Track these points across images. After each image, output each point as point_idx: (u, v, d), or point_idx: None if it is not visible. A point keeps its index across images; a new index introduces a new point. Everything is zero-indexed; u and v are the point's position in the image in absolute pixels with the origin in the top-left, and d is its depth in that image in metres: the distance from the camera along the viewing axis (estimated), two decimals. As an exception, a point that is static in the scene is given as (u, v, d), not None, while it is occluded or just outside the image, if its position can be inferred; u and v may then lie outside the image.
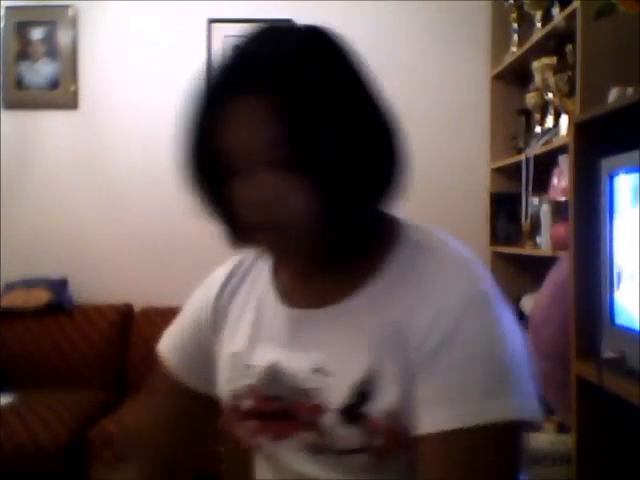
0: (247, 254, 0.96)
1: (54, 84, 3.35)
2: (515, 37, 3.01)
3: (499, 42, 3.17)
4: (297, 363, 0.83)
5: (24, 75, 3.36)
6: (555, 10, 2.53)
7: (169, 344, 0.99)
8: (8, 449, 2.44)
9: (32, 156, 3.34)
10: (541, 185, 2.59)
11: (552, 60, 2.50)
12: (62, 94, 3.34)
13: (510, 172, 3.01)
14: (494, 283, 0.81)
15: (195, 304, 0.98)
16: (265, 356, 0.86)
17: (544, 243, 2.51)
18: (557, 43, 2.53)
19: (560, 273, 1.91)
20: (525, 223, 2.70)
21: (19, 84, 3.36)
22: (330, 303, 0.83)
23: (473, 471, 0.73)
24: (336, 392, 0.79)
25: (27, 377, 2.98)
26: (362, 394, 0.78)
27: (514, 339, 0.77)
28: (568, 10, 2.27)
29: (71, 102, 3.34)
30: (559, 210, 2.31)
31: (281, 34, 0.81)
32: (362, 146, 0.77)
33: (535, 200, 2.65)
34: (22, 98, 3.36)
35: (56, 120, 3.35)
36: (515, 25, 3.02)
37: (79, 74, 3.35)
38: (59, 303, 3.15)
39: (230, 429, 0.90)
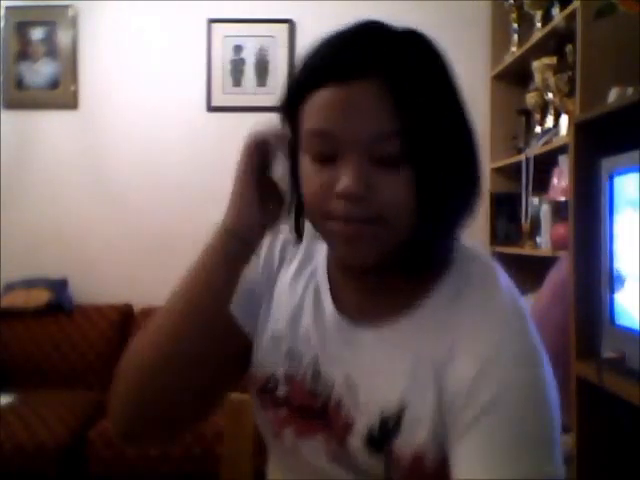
0: (309, 239, 0.90)
1: (54, 84, 3.35)
2: (515, 37, 3.01)
3: (499, 42, 3.17)
4: (334, 370, 0.82)
5: (24, 75, 3.36)
6: (555, 10, 2.53)
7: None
8: (8, 449, 2.44)
9: (32, 156, 3.34)
10: (541, 185, 2.59)
11: (552, 60, 2.50)
12: (62, 94, 3.34)
13: (510, 172, 3.01)
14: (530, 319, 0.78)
15: (254, 260, 0.89)
16: (308, 348, 0.84)
17: (544, 243, 2.51)
18: (557, 43, 2.53)
19: (560, 273, 1.90)
20: (525, 223, 2.70)
21: (19, 84, 3.36)
22: (377, 320, 0.81)
23: None
24: (365, 415, 0.78)
25: (27, 377, 2.98)
26: (391, 426, 0.76)
27: (554, 399, 0.74)
28: (568, 10, 2.27)
29: (71, 102, 3.34)
30: (559, 210, 2.31)
31: (384, 28, 0.80)
32: (460, 149, 0.76)
33: (535, 200, 2.65)
34: (22, 98, 3.36)
35: (56, 120, 3.35)
36: (515, 25, 3.02)
37: (79, 74, 3.35)
38: (59, 303, 3.15)
39: (258, 410, 0.88)
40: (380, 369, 0.79)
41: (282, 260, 0.91)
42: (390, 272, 0.81)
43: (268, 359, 0.86)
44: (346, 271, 0.84)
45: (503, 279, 0.80)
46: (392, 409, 0.76)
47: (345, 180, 0.71)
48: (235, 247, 0.82)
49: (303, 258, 0.90)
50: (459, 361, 0.74)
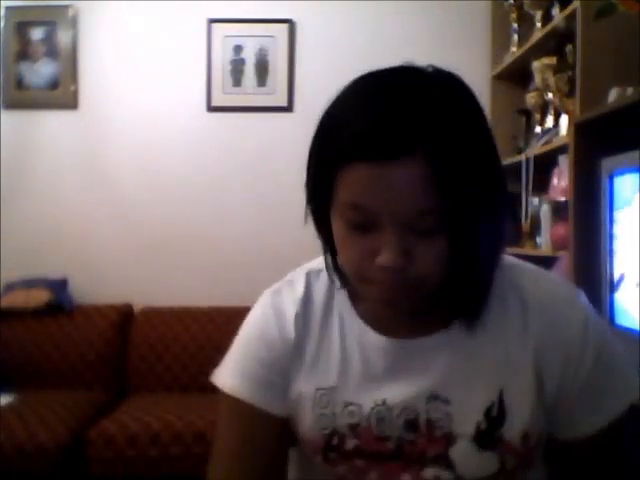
0: (310, 282, 0.89)
1: (54, 84, 3.35)
2: (515, 37, 3.01)
3: (499, 42, 3.17)
4: (407, 395, 0.81)
5: (24, 75, 3.36)
6: (555, 10, 2.52)
7: (239, 376, 0.88)
8: (8, 449, 2.44)
9: (32, 156, 3.34)
10: (541, 185, 2.59)
11: (552, 60, 2.50)
12: (62, 94, 3.34)
13: (510, 172, 3.00)
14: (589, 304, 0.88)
15: (265, 333, 0.88)
16: (366, 393, 0.83)
17: (544, 243, 2.51)
18: (557, 43, 2.53)
19: (560, 273, 1.90)
20: (525, 223, 2.70)
21: (19, 84, 3.36)
22: (432, 331, 0.82)
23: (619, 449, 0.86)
24: (465, 419, 0.80)
25: (27, 377, 2.98)
26: (495, 418, 0.79)
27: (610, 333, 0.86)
28: (568, 10, 2.27)
29: (71, 102, 3.34)
30: (559, 210, 2.31)
31: (419, 85, 0.72)
32: (496, 207, 0.76)
33: (535, 200, 2.65)
34: (22, 98, 3.35)
35: (56, 120, 3.35)
36: (515, 25, 3.02)
37: (79, 74, 3.35)
38: (59, 303, 3.14)
39: (327, 467, 0.86)
40: (457, 369, 0.81)
41: (303, 323, 0.87)
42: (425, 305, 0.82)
43: (324, 418, 0.84)
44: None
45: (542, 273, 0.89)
46: (491, 402, 0.79)
47: (387, 254, 0.72)
48: None
49: (324, 308, 0.88)
50: (545, 344, 0.81)
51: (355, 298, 0.86)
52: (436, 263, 0.73)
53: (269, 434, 0.86)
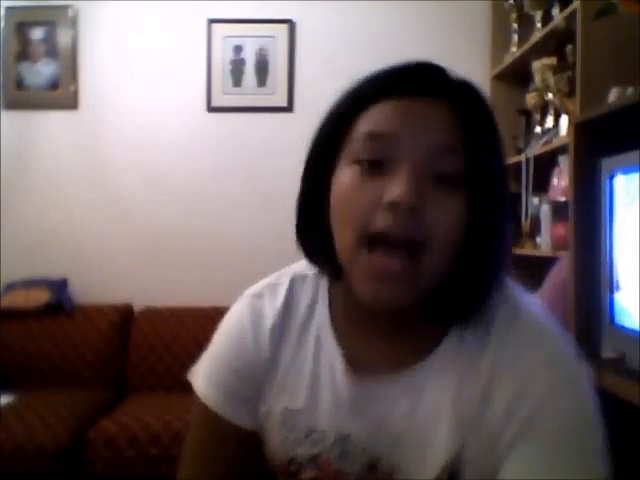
0: (293, 290, 0.84)
1: (54, 84, 3.35)
2: (515, 37, 3.01)
3: (499, 42, 3.17)
4: (370, 434, 0.77)
5: (24, 75, 3.36)
6: (555, 10, 2.53)
7: (211, 384, 0.85)
8: (8, 449, 2.44)
9: (32, 156, 3.34)
10: (541, 185, 2.59)
11: (552, 60, 2.50)
12: (62, 94, 3.34)
13: (510, 172, 3.01)
14: (574, 349, 0.77)
15: (239, 342, 0.84)
16: (332, 423, 0.79)
17: (544, 243, 2.51)
18: (557, 43, 2.53)
19: (560, 273, 1.90)
20: (525, 223, 2.70)
21: (19, 84, 3.36)
22: (403, 366, 0.76)
23: None
24: (428, 466, 0.74)
25: (27, 377, 2.98)
26: (452, 473, 0.74)
27: (595, 411, 0.72)
28: (568, 10, 2.27)
29: (71, 102, 3.34)
30: (559, 210, 2.31)
31: (445, 69, 0.77)
32: (506, 191, 0.76)
33: (535, 200, 2.65)
34: (22, 98, 3.35)
35: (56, 120, 3.35)
36: (515, 25, 3.02)
37: (79, 74, 3.35)
38: (59, 303, 3.14)
39: None
40: (423, 414, 0.75)
41: (279, 336, 0.83)
42: (411, 315, 0.77)
43: (287, 441, 0.81)
44: (360, 318, 0.79)
45: (530, 304, 0.78)
46: (451, 457, 0.73)
47: (396, 188, 0.67)
48: None
49: (302, 322, 0.83)
50: (498, 391, 0.72)
51: (336, 316, 0.82)
52: (449, 222, 0.68)
53: (236, 445, 0.84)
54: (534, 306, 0.78)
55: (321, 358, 0.81)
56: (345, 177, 0.71)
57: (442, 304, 0.74)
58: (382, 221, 0.68)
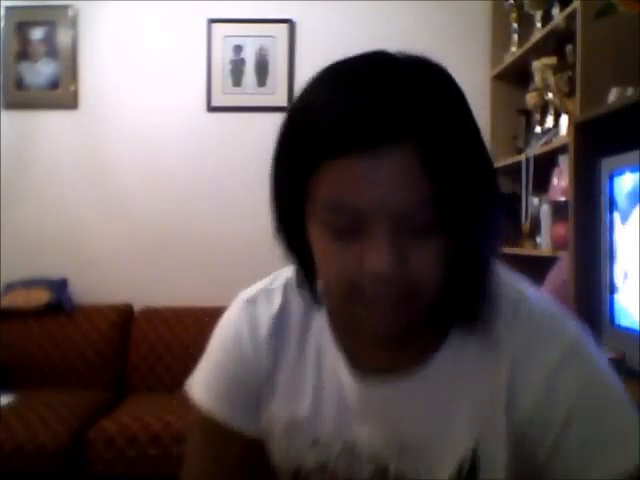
0: (288, 296, 0.82)
1: (54, 84, 3.35)
2: (515, 37, 3.01)
3: (499, 42, 3.17)
4: (378, 441, 0.75)
5: (24, 75, 3.36)
6: (555, 10, 2.53)
7: (213, 394, 0.82)
8: (8, 449, 2.44)
9: (32, 156, 3.34)
10: (541, 185, 2.59)
11: (552, 60, 2.50)
12: (62, 94, 3.34)
13: (510, 172, 3.00)
14: (582, 327, 0.75)
15: (238, 349, 0.82)
16: (337, 431, 0.77)
17: (544, 243, 2.51)
18: (557, 43, 2.53)
19: (560, 273, 1.91)
20: (525, 223, 2.70)
21: (19, 84, 3.36)
22: (408, 368, 0.74)
23: None
24: (437, 472, 0.73)
25: (27, 377, 2.98)
26: (470, 470, 0.72)
27: (622, 393, 0.71)
28: (568, 10, 2.27)
29: (71, 102, 3.34)
30: (559, 210, 2.31)
31: (395, 70, 0.64)
32: (487, 198, 0.67)
33: (535, 200, 2.65)
34: (22, 98, 3.35)
35: (56, 120, 3.35)
36: (515, 25, 3.02)
37: (79, 74, 3.35)
38: (59, 303, 3.14)
39: None
40: (433, 416, 0.73)
41: (276, 344, 0.81)
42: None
43: (291, 452, 0.79)
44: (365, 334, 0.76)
45: (527, 290, 0.77)
46: (466, 455, 0.72)
47: (378, 258, 0.62)
48: None
49: (300, 329, 0.80)
50: (520, 385, 0.71)
51: (335, 321, 0.79)
52: (434, 266, 0.65)
53: (242, 455, 0.82)
54: (531, 291, 0.76)
55: (323, 365, 0.78)
56: (316, 237, 0.68)
57: (439, 311, 0.72)
58: (365, 290, 0.65)
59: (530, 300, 0.74)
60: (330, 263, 0.66)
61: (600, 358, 0.73)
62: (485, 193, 0.66)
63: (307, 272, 0.74)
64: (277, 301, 0.82)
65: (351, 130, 0.60)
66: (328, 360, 0.78)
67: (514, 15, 3.01)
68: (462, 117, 0.66)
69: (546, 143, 2.56)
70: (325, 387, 0.78)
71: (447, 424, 0.73)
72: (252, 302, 0.83)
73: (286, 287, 0.83)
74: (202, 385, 0.84)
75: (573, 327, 0.74)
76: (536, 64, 2.58)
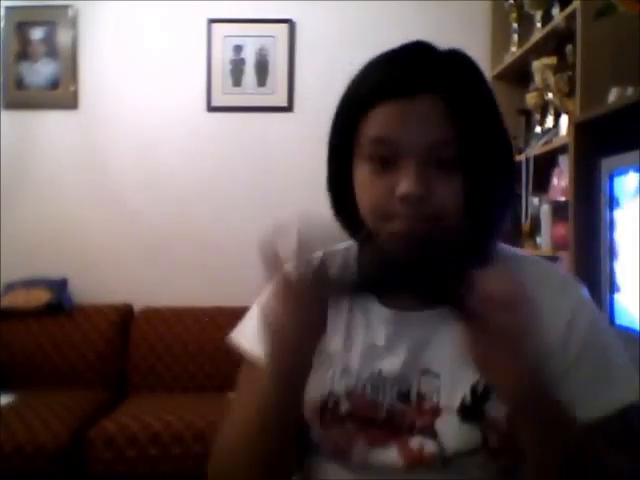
0: (326, 258, 0.88)
1: (54, 84, 3.35)
2: (515, 37, 3.01)
3: (499, 42, 3.17)
4: (401, 366, 0.85)
5: (24, 75, 3.36)
6: (555, 10, 2.53)
7: (255, 339, 0.86)
8: (8, 449, 2.44)
9: (32, 156, 3.34)
10: (541, 185, 2.59)
11: (552, 60, 2.50)
12: (62, 94, 3.34)
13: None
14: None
15: None
16: (365, 359, 0.87)
17: (544, 243, 2.51)
18: (557, 43, 2.53)
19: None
20: (525, 223, 2.70)
21: (19, 84, 3.36)
22: (431, 308, 0.84)
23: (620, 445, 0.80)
24: (451, 393, 0.82)
25: (27, 377, 2.98)
26: (481, 393, 0.81)
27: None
28: (568, 10, 2.27)
29: (71, 102, 3.34)
30: (559, 210, 2.31)
31: (434, 49, 0.85)
32: (502, 157, 0.85)
33: (535, 200, 2.65)
34: (22, 98, 3.35)
35: (56, 120, 3.35)
36: (515, 25, 3.02)
37: (79, 74, 3.35)
38: (59, 303, 3.14)
39: (321, 430, 0.87)
40: (451, 344, 0.81)
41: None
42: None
43: (323, 381, 0.87)
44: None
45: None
46: (477, 376, 0.80)
47: (406, 183, 0.78)
48: (287, 394, 0.81)
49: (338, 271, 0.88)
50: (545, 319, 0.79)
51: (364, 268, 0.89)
52: (453, 197, 0.79)
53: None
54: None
55: (354, 305, 0.89)
56: (362, 174, 0.83)
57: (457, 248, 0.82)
58: (397, 210, 0.79)
59: (534, 258, 0.92)
60: (370, 191, 0.81)
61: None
62: (500, 148, 0.84)
63: (348, 219, 0.87)
64: (316, 260, 0.88)
65: (393, 80, 0.80)
66: (360, 304, 0.89)
67: (514, 15, 3.01)
68: (481, 85, 0.84)
69: (546, 143, 2.56)
70: (355, 323, 0.89)
71: (464, 354, 0.79)
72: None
73: (323, 255, 0.90)
74: (249, 336, 0.90)
75: (568, 275, 0.91)
76: (536, 64, 2.58)
